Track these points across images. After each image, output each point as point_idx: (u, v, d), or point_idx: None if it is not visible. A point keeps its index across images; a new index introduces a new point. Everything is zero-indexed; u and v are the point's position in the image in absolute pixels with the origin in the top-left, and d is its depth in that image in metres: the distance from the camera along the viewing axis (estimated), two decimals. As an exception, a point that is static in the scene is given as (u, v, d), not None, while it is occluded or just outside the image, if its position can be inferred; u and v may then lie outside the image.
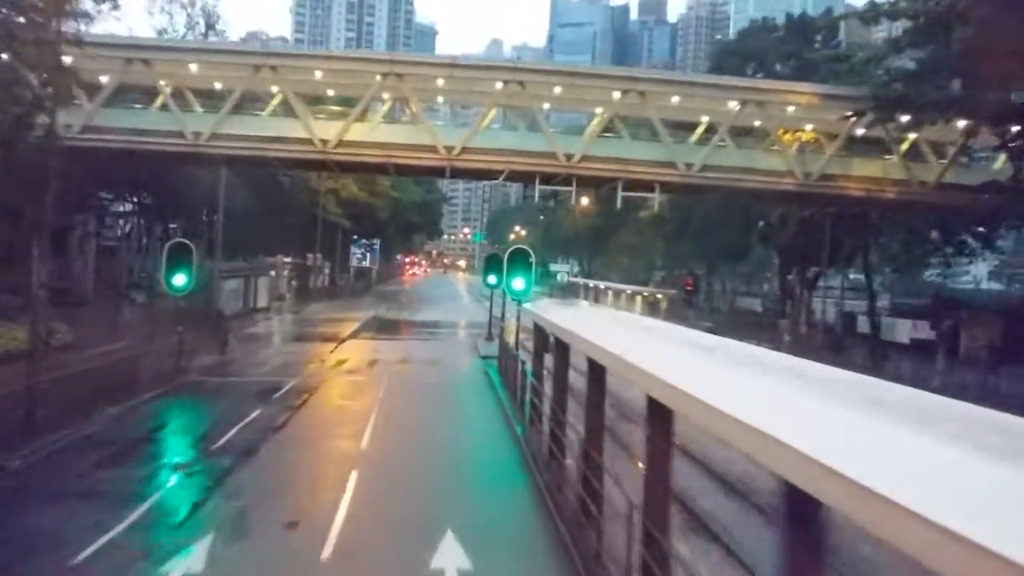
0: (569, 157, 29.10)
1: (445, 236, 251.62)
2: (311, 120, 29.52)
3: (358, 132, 29.63)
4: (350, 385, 23.27)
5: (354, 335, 37.41)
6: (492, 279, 32.52)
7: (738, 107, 29.92)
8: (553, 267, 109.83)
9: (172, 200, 41.65)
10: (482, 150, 29.74)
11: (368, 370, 26.10)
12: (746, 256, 61.34)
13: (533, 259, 25.70)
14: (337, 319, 45.12)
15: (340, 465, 13.90)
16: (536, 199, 43.06)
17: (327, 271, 63.34)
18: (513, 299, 26.44)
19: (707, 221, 54.14)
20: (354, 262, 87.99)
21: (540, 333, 15.37)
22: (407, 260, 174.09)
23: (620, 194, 29.96)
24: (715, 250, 58.54)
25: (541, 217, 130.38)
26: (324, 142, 28.97)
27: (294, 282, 59.01)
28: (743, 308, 63.74)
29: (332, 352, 30.16)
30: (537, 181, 29.96)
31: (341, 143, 29.16)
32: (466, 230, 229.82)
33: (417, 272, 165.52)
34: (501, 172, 30.18)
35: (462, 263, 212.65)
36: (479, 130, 30.32)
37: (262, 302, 47.87)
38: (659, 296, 64.82)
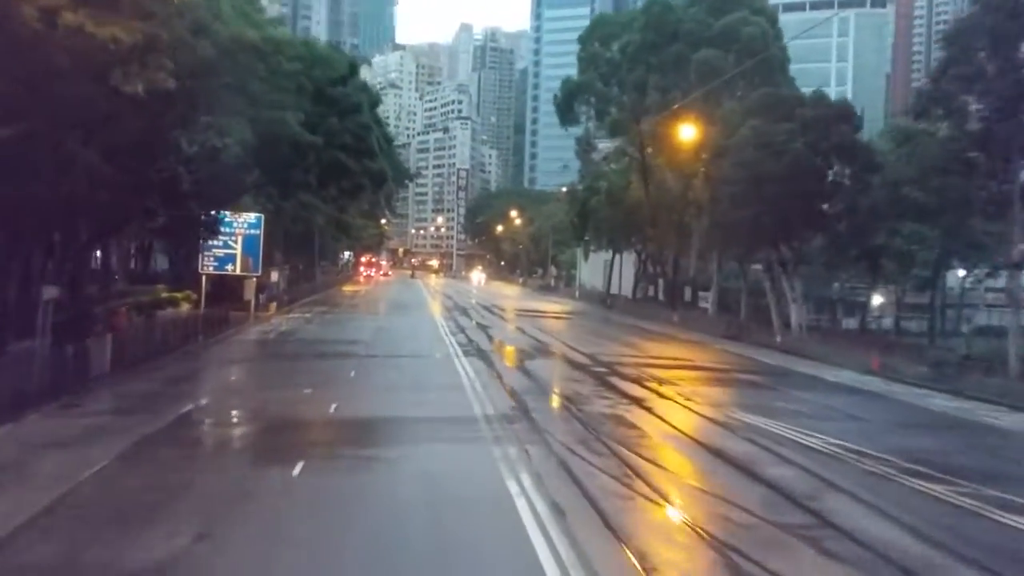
0: None
1: (413, 231, 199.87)
2: None
3: None
4: None
5: None
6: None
7: None
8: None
9: None
10: None
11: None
12: None
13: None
14: None
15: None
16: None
17: None
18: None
19: None
20: (210, 266, 36.71)
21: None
22: (361, 260, 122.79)
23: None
24: None
25: (563, 189, 79.92)
26: None
27: None
28: None
29: None
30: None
31: None
32: (439, 220, 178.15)
33: (373, 276, 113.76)
34: None
35: (434, 263, 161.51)
36: None
37: None
38: None
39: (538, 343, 31.78)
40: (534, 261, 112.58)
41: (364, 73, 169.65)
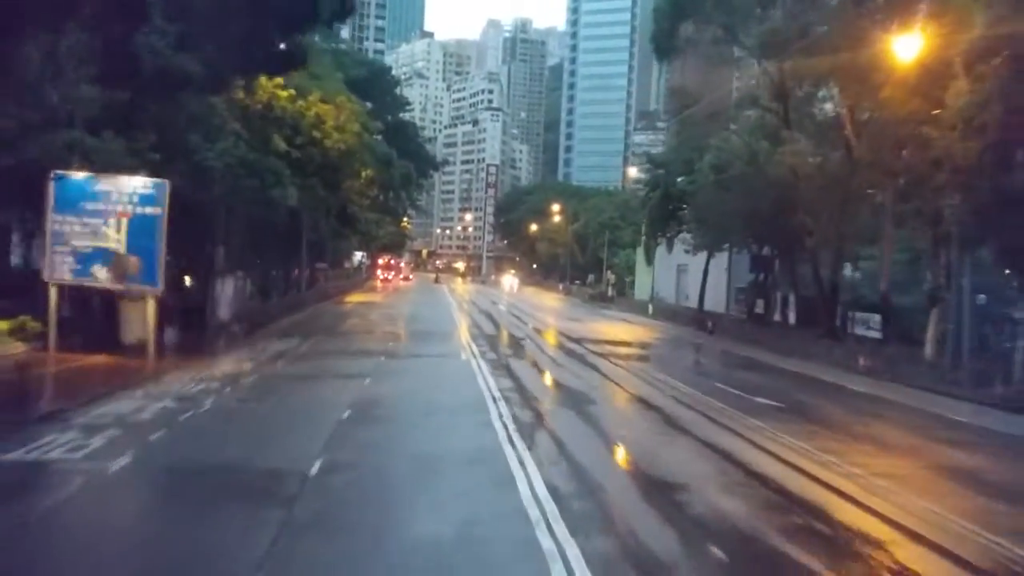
0: None
1: (438, 230, 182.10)
2: None
3: None
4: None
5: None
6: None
7: None
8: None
9: None
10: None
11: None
12: None
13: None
14: None
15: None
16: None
17: None
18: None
19: None
20: (66, 268, 19.02)
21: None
22: (379, 262, 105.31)
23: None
24: None
25: (634, 171, 61.15)
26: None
27: None
28: None
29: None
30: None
31: None
32: (467, 217, 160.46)
33: (391, 280, 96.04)
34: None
35: (460, 265, 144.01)
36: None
37: None
38: None
39: (745, 474, 12.67)
40: (578, 265, 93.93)
41: (388, 61, 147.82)
